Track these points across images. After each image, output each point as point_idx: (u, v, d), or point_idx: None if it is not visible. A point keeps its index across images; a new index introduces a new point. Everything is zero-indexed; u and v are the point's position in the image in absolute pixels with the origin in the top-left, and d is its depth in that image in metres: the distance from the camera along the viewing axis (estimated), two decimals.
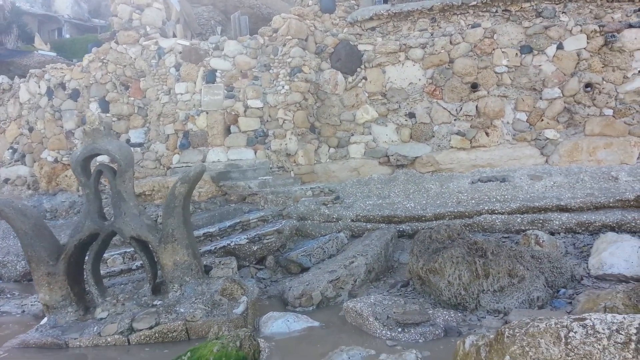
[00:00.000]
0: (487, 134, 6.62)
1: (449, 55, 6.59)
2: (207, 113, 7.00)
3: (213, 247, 5.23)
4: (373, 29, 7.01)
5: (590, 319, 2.15)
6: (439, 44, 6.60)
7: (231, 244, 5.25)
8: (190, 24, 9.35)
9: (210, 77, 6.98)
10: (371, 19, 6.99)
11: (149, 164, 7.29)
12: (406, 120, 6.81)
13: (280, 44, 6.82)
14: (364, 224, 5.88)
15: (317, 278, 4.52)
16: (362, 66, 6.96)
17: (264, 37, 6.95)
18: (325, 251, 5.34)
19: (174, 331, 3.72)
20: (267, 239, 5.45)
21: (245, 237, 5.39)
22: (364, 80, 6.97)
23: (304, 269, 5.09)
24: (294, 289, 4.41)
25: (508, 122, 6.58)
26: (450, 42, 6.57)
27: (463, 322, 3.66)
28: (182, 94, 7.06)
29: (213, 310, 3.86)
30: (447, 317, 3.73)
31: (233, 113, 6.95)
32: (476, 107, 6.61)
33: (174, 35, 7.77)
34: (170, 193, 4.16)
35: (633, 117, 6.20)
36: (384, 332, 3.55)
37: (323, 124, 7.14)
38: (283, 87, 6.74)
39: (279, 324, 3.88)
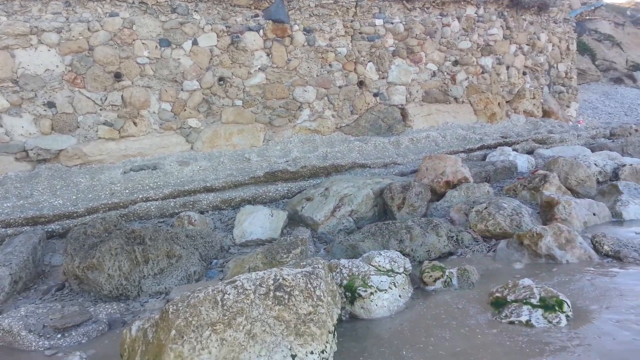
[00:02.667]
0: (135, 123, 6.68)
1: (88, 42, 6.28)
2: None
3: None
4: None
5: (240, 280, 2.59)
6: (76, 29, 6.19)
7: None
8: None
9: None
10: None
11: None
12: (45, 110, 6.16)
13: None
14: (3, 229, 5.10)
15: None
16: None
17: None
18: None
19: None
20: None
21: None
22: None
23: None
24: None
25: (154, 112, 6.80)
26: (89, 29, 6.27)
27: (127, 312, 3.73)
28: None
29: None
30: (110, 310, 3.71)
31: None
32: (122, 97, 6.56)
33: None
34: None
35: (257, 107, 7.39)
36: (40, 343, 3.27)
37: None
38: None
39: None
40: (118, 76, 6.51)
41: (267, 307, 2.47)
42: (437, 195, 5.87)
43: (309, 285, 2.65)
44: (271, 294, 2.52)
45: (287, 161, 6.95)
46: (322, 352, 2.51)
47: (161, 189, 6.02)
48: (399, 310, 3.31)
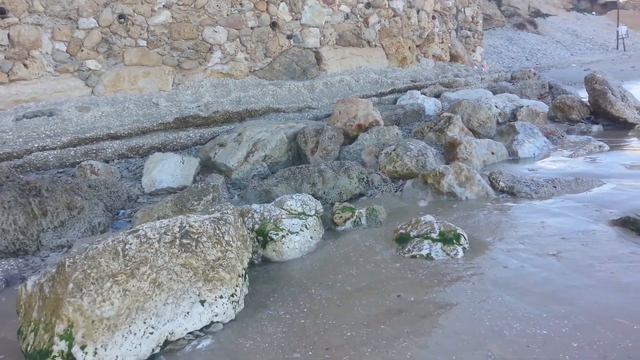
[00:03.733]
0: (25, 65, 6.03)
1: None
2: None
3: None
4: None
5: (142, 229, 2.49)
6: None
7: None
8: None
9: None
10: None
11: None
12: None
13: None
14: None
15: None
16: None
17: None
18: None
19: None
20: None
21: None
22: None
23: None
24: None
25: (47, 53, 6.17)
26: None
27: (26, 267, 3.51)
28: None
29: None
30: (7, 267, 3.47)
31: None
32: (8, 35, 5.86)
33: None
34: None
35: (164, 48, 6.95)
36: None
37: None
38: None
39: None
40: (3, 12, 5.78)
41: (173, 255, 2.42)
42: (350, 139, 5.97)
43: (218, 231, 2.62)
44: (177, 241, 2.46)
45: (198, 106, 6.68)
46: (232, 295, 2.53)
47: (59, 137, 5.58)
48: (310, 251, 3.39)
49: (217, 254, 2.55)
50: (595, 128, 6.76)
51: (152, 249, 2.39)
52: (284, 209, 3.59)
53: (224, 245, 2.60)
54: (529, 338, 2.15)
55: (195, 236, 2.53)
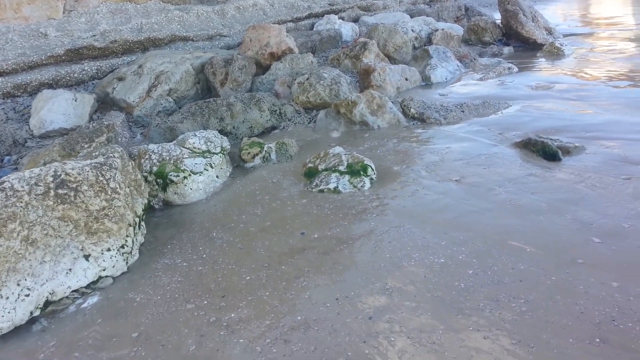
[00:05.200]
0: None
1: None
2: None
3: None
4: None
5: (9, 181, 2.20)
6: None
7: None
8: None
9: None
10: None
11: None
12: None
13: None
14: None
15: None
16: None
17: None
18: None
19: None
20: None
21: None
22: None
23: None
24: None
25: None
26: None
27: None
28: None
29: None
30: None
31: None
32: None
33: None
34: None
35: None
36: None
37: None
38: None
39: None
40: None
41: (47, 207, 2.17)
42: (263, 69, 5.66)
43: (101, 178, 2.37)
44: (52, 192, 2.20)
45: (94, 35, 6.02)
46: (122, 247, 2.34)
47: None
48: (216, 191, 3.23)
49: (101, 203, 2.32)
50: (506, 50, 6.86)
51: (21, 202, 2.12)
52: (185, 148, 3.36)
53: (109, 193, 2.37)
54: (426, 268, 2.17)
55: (74, 185, 2.27)
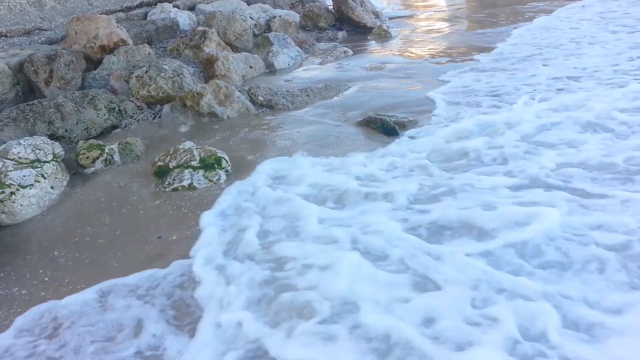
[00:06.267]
0: None
1: None
2: None
3: None
4: None
5: None
6: None
7: None
8: None
9: None
10: None
11: None
12: None
13: None
14: None
15: None
16: None
17: None
18: None
19: None
20: None
21: None
22: None
23: None
24: None
25: None
26: None
27: None
28: None
29: None
30: None
31: None
32: None
33: None
34: None
35: None
36: None
37: None
38: None
39: None
40: None
41: None
42: (94, 63, 5.18)
43: None
44: None
45: None
46: None
47: None
48: (53, 204, 2.89)
49: None
50: (340, 34, 7.21)
51: None
52: (9, 159, 2.94)
53: None
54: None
55: None
